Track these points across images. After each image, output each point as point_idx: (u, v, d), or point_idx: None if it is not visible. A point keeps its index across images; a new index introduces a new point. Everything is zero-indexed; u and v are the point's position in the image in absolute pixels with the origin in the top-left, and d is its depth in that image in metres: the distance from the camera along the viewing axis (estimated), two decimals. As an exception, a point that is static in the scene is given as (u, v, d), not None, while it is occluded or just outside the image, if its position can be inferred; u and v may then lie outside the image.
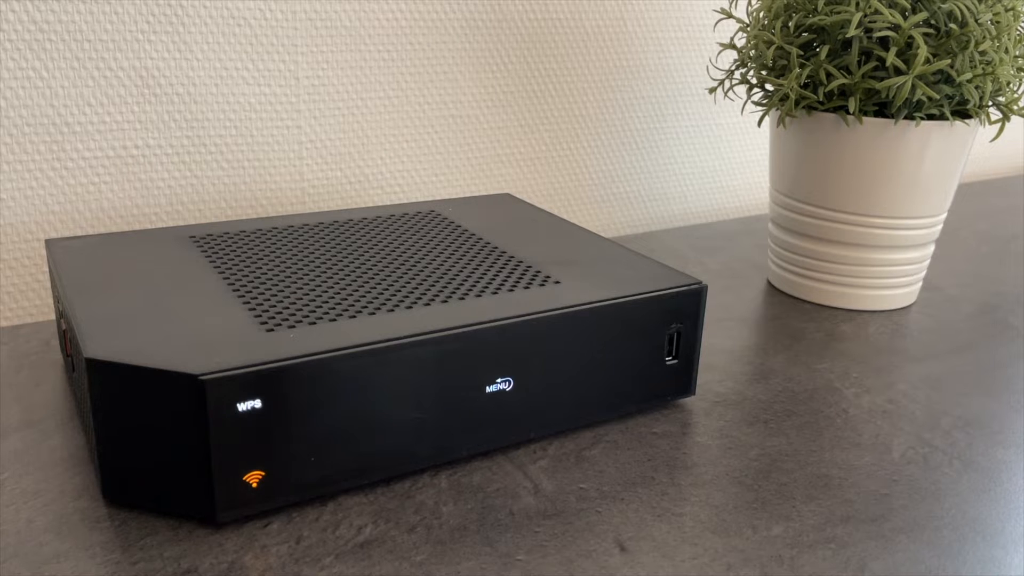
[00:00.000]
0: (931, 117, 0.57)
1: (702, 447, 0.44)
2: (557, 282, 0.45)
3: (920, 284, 0.65)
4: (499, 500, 0.39)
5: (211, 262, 0.46)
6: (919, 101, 0.55)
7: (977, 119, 0.57)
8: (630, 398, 0.45)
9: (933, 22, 0.54)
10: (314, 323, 0.39)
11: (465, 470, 0.41)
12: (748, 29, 0.62)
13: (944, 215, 0.62)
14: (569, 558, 0.35)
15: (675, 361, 0.46)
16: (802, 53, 0.58)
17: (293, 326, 0.38)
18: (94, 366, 0.35)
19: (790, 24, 0.59)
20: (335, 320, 0.39)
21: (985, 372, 0.54)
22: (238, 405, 0.34)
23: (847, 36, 0.54)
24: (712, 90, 0.65)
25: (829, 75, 0.56)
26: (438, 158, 0.73)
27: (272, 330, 0.38)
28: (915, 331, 0.60)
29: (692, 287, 0.45)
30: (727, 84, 0.65)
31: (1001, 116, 0.58)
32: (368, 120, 0.69)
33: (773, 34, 0.58)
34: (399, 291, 0.43)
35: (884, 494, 0.41)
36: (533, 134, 0.77)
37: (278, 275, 0.45)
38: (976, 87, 0.55)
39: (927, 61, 0.53)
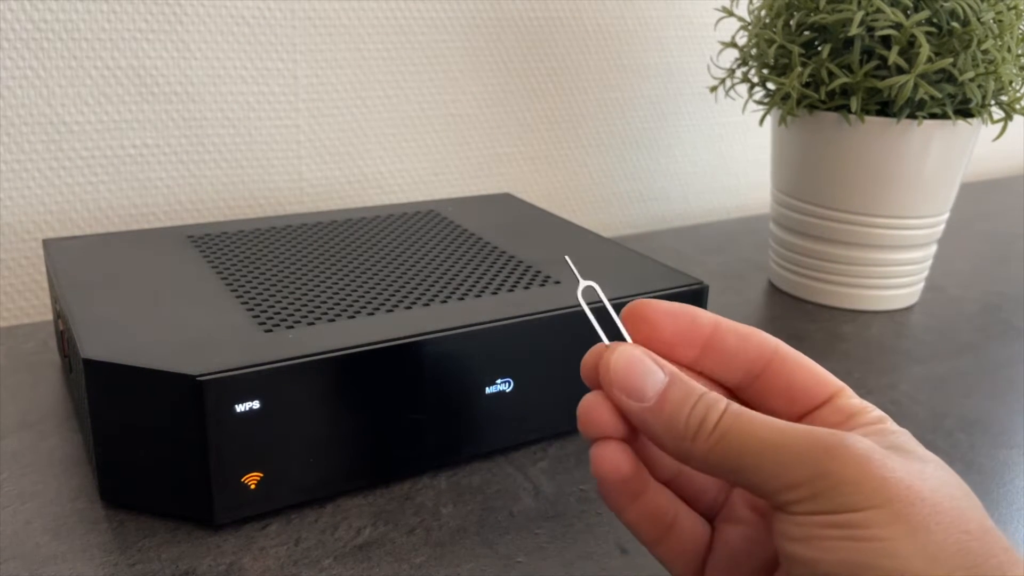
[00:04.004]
0: (933, 116, 0.56)
1: (703, 448, 0.44)
2: (557, 282, 0.45)
3: (922, 284, 0.65)
4: (499, 502, 0.39)
5: (209, 262, 0.46)
6: (921, 100, 0.55)
7: (979, 118, 0.57)
8: (631, 399, 0.45)
9: (935, 20, 0.54)
10: (313, 323, 0.39)
11: (465, 471, 0.41)
12: (749, 27, 0.62)
13: (946, 215, 0.62)
14: (569, 560, 0.35)
15: (676, 361, 0.46)
16: (804, 52, 0.57)
17: (292, 326, 0.38)
18: (91, 366, 0.34)
19: (792, 22, 0.59)
20: (334, 320, 0.39)
21: (987, 373, 0.54)
22: (236, 406, 0.34)
23: (849, 35, 0.54)
24: (713, 89, 0.65)
25: (831, 74, 0.56)
26: (437, 157, 0.73)
27: (271, 331, 0.38)
28: (917, 331, 0.60)
29: (693, 287, 0.45)
30: (728, 83, 0.65)
31: (1004, 115, 0.58)
32: (367, 119, 0.68)
33: (775, 32, 0.58)
34: (399, 291, 0.43)
35: (887, 495, 0.40)
36: (533, 134, 0.77)
37: (277, 275, 0.44)
38: (979, 86, 0.55)
39: (929, 60, 0.53)
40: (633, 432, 0.27)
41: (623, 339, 0.28)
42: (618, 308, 0.29)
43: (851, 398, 0.27)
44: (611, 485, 0.27)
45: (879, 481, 0.21)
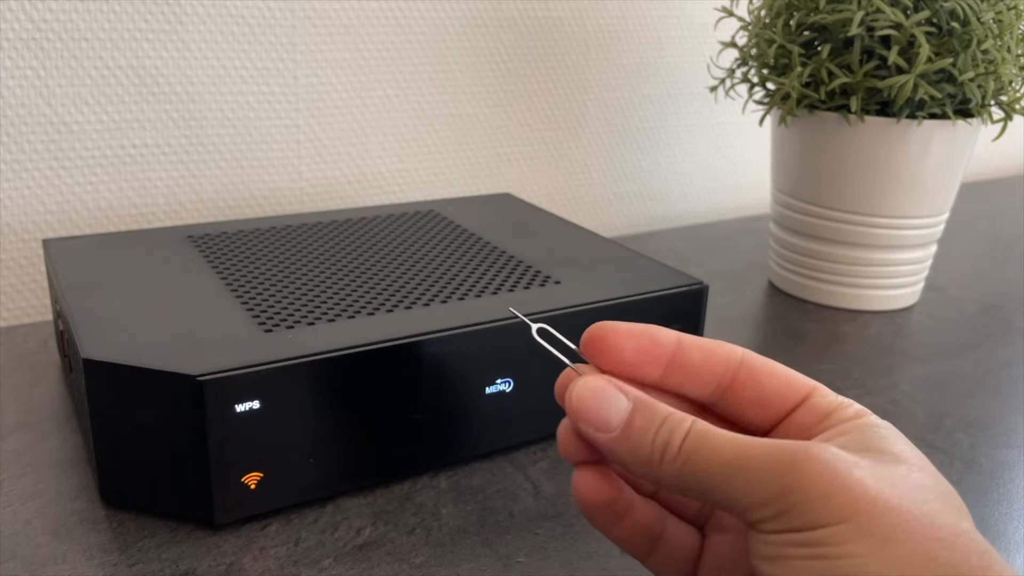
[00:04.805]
0: (933, 116, 0.56)
1: (703, 448, 0.44)
2: (557, 282, 0.45)
3: (922, 284, 0.65)
4: (499, 502, 0.39)
5: (209, 262, 0.46)
6: (921, 100, 0.55)
7: (979, 118, 0.57)
8: (631, 399, 0.45)
9: (935, 20, 0.54)
10: (312, 323, 0.38)
11: (465, 471, 0.41)
12: (749, 27, 0.62)
13: (946, 215, 0.62)
14: (570, 560, 0.35)
15: (676, 361, 0.46)
16: (804, 52, 0.57)
17: (292, 327, 0.38)
18: (91, 367, 0.34)
19: (791, 22, 0.59)
20: (334, 320, 0.39)
21: (987, 373, 0.54)
22: (236, 406, 0.34)
23: (849, 35, 0.54)
24: (713, 89, 0.65)
25: (831, 74, 0.56)
26: (438, 157, 0.73)
27: (270, 331, 0.38)
28: (917, 331, 0.60)
29: (693, 287, 0.45)
30: (728, 83, 0.65)
31: (1003, 115, 0.58)
32: (367, 119, 0.68)
33: (774, 32, 0.58)
34: (398, 291, 0.43)
35: (886, 495, 0.40)
36: (533, 134, 0.77)
37: (276, 275, 0.44)
38: (978, 86, 0.55)
39: (929, 60, 0.53)
40: None
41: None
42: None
43: (825, 396, 0.26)
44: (593, 509, 0.27)
45: (844, 493, 0.21)
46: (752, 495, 0.22)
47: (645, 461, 0.25)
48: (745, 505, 0.23)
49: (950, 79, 0.55)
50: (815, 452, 0.22)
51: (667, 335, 0.27)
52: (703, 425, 0.24)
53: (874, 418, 0.25)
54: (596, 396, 0.26)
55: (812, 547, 0.21)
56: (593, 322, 0.28)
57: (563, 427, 0.27)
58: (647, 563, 0.28)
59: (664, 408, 0.25)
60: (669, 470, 0.24)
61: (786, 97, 0.58)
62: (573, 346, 0.28)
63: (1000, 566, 0.21)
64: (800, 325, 0.60)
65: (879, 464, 0.22)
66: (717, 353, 0.27)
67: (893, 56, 0.53)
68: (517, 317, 0.31)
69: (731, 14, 0.64)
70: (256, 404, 0.34)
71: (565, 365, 0.28)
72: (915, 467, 0.23)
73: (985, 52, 0.54)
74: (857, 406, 0.26)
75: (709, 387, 0.27)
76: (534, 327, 0.30)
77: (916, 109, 0.56)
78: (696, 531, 0.29)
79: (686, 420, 0.24)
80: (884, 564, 0.20)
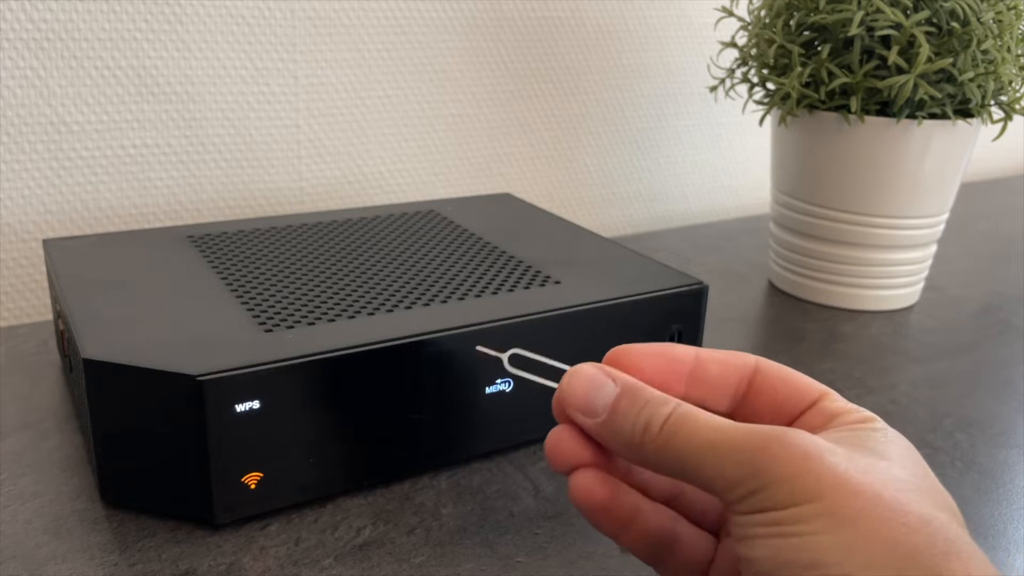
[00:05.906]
0: (933, 116, 0.56)
1: (703, 448, 0.44)
2: (557, 282, 0.45)
3: (922, 284, 0.65)
4: (499, 502, 0.39)
5: (209, 262, 0.46)
6: (921, 100, 0.55)
7: (979, 118, 0.57)
8: (631, 399, 0.45)
9: (935, 21, 0.54)
10: (313, 323, 0.39)
11: (465, 471, 0.41)
12: (749, 27, 0.62)
13: (946, 215, 0.62)
14: (570, 559, 0.35)
15: (676, 361, 0.46)
16: (803, 52, 0.57)
17: (292, 327, 0.38)
18: (92, 366, 0.34)
19: (791, 22, 0.59)
20: (334, 320, 0.39)
21: (987, 373, 0.54)
22: (236, 406, 0.34)
23: (849, 35, 0.54)
24: (713, 89, 0.65)
25: (831, 74, 0.56)
26: (438, 157, 0.73)
27: (271, 331, 0.38)
28: (917, 331, 0.60)
29: (693, 287, 0.45)
30: (728, 83, 0.65)
31: (1003, 115, 0.58)
32: (367, 119, 0.68)
33: (774, 32, 0.58)
34: (398, 291, 0.43)
35: (886, 495, 0.40)
36: (533, 134, 0.77)
37: (276, 275, 0.44)
38: (978, 86, 0.55)
39: (929, 60, 0.53)
40: (604, 458, 0.28)
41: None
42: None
43: (835, 401, 0.27)
44: (592, 512, 0.27)
45: (813, 476, 0.22)
46: (726, 476, 0.23)
47: (627, 442, 0.25)
48: (720, 486, 0.23)
49: (950, 79, 0.55)
50: (789, 437, 0.22)
51: (684, 352, 0.28)
52: (687, 408, 0.25)
53: (879, 423, 0.25)
54: (584, 382, 0.27)
55: (777, 526, 0.22)
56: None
57: (551, 434, 0.28)
58: (659, 570, 0.28)
59: (649, 392, 0.26)
60: (650, 449, 0.25)
61: (786, 97, 0.58)
62: (552, 362, 0.28)
63: (968, 552, 0.21)
64: (800, 325, 0.60)
65: (857, 454, 0.23)
66: (733, 364, 0.28)
67: (893, 56, 0.53)
68: (487, 355, 0.32)
69: (731, 14, 0.64)
70: (256, 404, 0.34)
71: (546, 388, 0.28)
72: (897, 465, 0.23)
73: (985, 52, 0.54)
74: (866, 412, 0.26)
75: (728, 397, 0.28)
76: (505, 357, 0.30)
77: (916, 109, 0.56)
78: (711, 537, 0.29)
79: (669, 403, 0.25)
80: (842, 543, 0.21)
